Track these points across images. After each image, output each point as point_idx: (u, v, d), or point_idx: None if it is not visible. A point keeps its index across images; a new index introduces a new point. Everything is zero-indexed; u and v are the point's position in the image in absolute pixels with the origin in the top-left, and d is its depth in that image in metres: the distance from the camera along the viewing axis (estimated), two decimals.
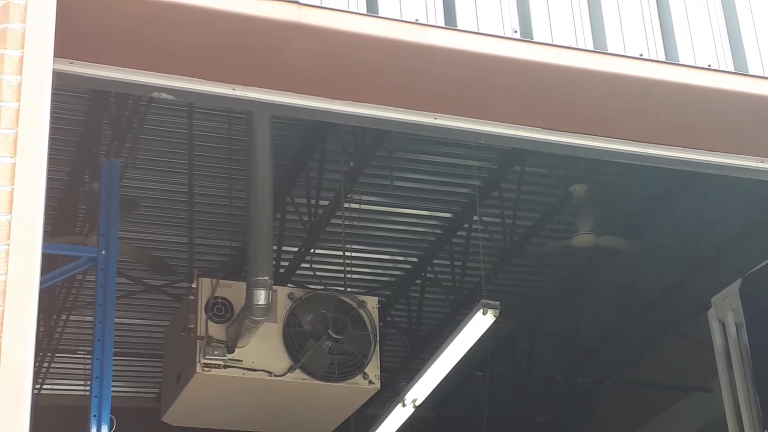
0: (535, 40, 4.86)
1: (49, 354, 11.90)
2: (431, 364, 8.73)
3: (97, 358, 6.35)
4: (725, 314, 8.25)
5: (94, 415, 6.23)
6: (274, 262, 9.60)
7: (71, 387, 12.48)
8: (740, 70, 5.11)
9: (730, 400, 8.15)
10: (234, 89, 4.79)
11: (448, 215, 10.92)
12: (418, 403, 9.17)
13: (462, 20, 4.77)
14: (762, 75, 5.11)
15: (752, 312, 8.05)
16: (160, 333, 10.67)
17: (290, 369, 7.98)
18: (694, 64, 5.04)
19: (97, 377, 6.31)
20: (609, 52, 4.96)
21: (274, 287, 7.73)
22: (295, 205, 10.33)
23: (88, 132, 9.34)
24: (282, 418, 8.59)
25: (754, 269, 8.20)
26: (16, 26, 4.06)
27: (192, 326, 7.79)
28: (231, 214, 9.98)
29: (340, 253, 10.46)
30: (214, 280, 8.01)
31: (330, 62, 4.73)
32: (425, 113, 5.03)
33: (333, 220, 10.25)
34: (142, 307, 11.76)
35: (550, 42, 4.88)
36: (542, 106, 5.06)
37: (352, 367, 8.12)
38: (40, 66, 4.04)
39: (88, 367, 6.55)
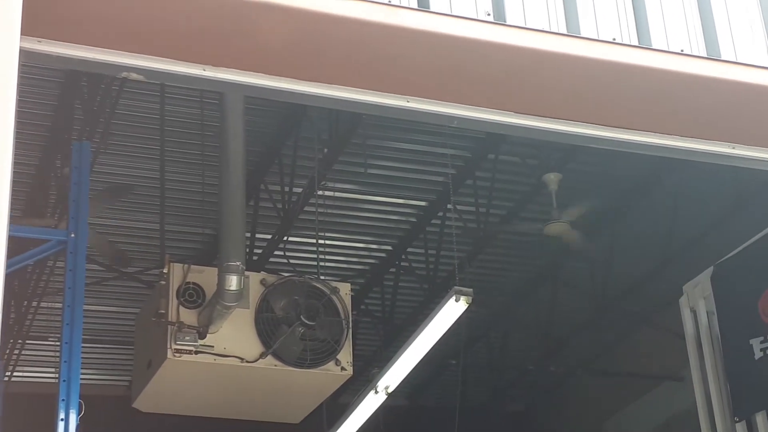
0: (508, 23, 4.85)
1: (20, 341, 11.82)
2: (404, 351, 8.72)
3: (66, 343, 6.29)
4: (697, 302, 8.27)
5: (63, 400, 6.17)
6: (247, 249, 9.57)
7: (42, 374, 12.40)
8: (713, 56, 5.11)
9: (701, 388, 8.17)
10: (204, 70, 4.74)
11: (422, 203, 10.91)
12: (390, 390, 9.15)
13: (435, 2, 4.75)
14: (734, 60, 5.12)
15: (723, 300, 8.08)
16: (131, 320, 10.60)
17: (262, 355, 7.93)
18: (666, 49, 5.04)
19: (65, 361, 6.25)
20: (582, 36, 4.95)
21: (246, 273, 7.69)
22: (269, 192, 10.28)
23: (60, 116, 9.26)
24: (254, 405, 8.55)
25: (726, 257, 8.23)
26: None
27: (163, 311, 7.74)
28: (203, 201, 9.92)
29: (314, 240, 10.43)
30: (186, 266, 7.94)
31: (301, 43, 4.69)
32: (397, 96, 5.00)
33: (307, 208, 10.22)
34: (114, 294, 11.69)
35: (523, 25, 4.87)
36: (514, 89, 5.04)
37: (325, 353, 8.09)
38: (6, 44, 3.99)
39: (59, 354, 6.48)
